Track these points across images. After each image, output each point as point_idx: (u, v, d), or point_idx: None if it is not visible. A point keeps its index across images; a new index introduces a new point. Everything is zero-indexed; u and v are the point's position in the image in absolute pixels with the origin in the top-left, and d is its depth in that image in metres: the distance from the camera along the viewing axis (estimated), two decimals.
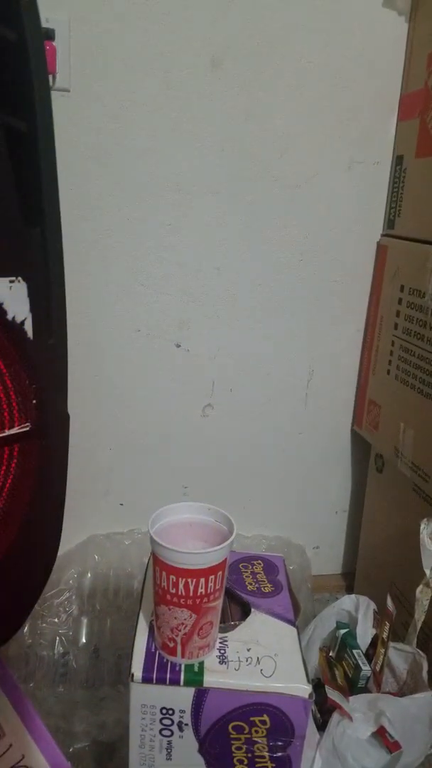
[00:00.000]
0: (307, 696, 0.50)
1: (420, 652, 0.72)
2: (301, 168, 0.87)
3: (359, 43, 0.83)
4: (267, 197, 0.87)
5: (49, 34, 0.74)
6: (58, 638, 0.90)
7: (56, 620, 0.91)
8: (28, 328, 0.41)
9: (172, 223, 0.86)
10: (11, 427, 0.44)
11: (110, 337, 0.89)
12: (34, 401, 0.43)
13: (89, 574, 0.93)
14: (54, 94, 0.77)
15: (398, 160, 0.86)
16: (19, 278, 0.39)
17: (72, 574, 0.93)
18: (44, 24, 0.73)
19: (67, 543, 0.95)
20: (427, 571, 0.75)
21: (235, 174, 0.85)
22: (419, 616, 0.76)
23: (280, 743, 0.52)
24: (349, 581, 1.08)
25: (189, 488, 1.00)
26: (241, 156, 0.85)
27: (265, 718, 0.50)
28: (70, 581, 0.92)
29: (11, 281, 0.38)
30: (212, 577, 0.49)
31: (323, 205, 0.89)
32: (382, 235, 0.91)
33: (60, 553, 0.93)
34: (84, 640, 0.91)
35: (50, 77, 0.76)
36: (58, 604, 0.91)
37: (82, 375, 0.89)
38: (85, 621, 0.92)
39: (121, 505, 0.98)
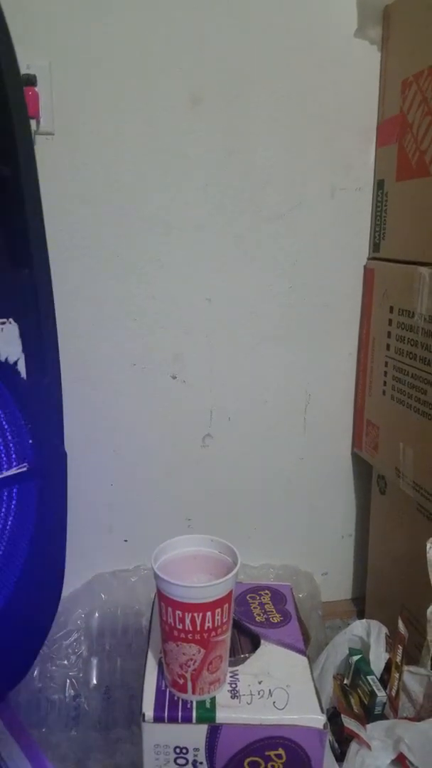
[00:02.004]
0: (321, 726, 0.49)
1: None
2: (284, 198, 0.89)
3: (334, 74, 0.86)
4: (252, 228, 0.89)
5: (31, 80, 0.75)
6: (68, 680, 0.89)
7: (66, 662, 0.89)
8: (21, 368, 0.41)
9: (161, 259, 0.87)
10: (9, 468, 0.44)
11: (106, 372, 0.90)
12: (30, 441, 0.44)
13: (97, 614, 0.92)
14: (38, 138, 0.79)
15: (379, 185, 0.88)
16: (10, 320, 0.39)
17: (79, 614, 0.91)
18: (25, 70, 0.75)
19: (72, 583, 0.94)
20: None
21: (219, 208, 0.87)
22: None
23: None
24: (359, 606, 1.07)
25: (193, 520, 1.00)
26: (225, 190, 0.87)
27: (281, 751, 0.49)
28: (78, 621, 0.91)
29: (2, 323, 0.39)
30: (219, 610, 0.49)
31: (309, 233, 0.91)
32: (369, 259, 0.93)
33: (66, 593, 0.93)
34: (95, 682, 0.90)
35: (34, 122, 0.78)
36: (67, 646, 0.90)
37: (80, 412, 0.89)
38: (95, 662, 0.91)
39: (126, 541, 0.97)
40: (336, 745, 0.68)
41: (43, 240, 0.41)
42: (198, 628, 0.49)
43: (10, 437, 0.43)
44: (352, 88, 0.87)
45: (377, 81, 0.87)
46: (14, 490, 0.45)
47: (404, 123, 0.80)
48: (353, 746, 0.65)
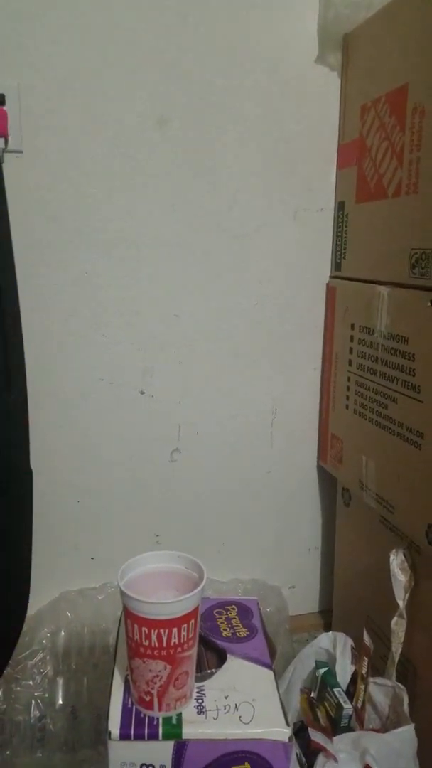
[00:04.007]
0: (286, 739, 0.49)
1: (400, 685, 0.72)
2: (249, 218, 0.91)
3: (297, 98, 0.88)
4: (219, 248, 0.90)
5: (0, 99, 0.77)
6: (33, 701, 0.87)
7: (31, 683, 0.88)
8: None
9: (129, 275, 0.88)
10: None
11: (74, 386, 0.90)
12: None
13: (63, 633, 0.91)
14: (7, 156, 0.79)
15: (340, 206, 0.91)
16: None
17: (45, 633, 0.90)
18: None
19: (38, 601, 0.93)
20: (400, 602, 0.76)
21: (186, 227, 0.88)
22: (396, 649, 0.76)
23: None
24: (326, 619, 1.08)
25: (161, 536, 1.00)
26: (192, 210, 0.88)
27: (247, 766, 0.50)
28: (44, 641, 0.90)
29: None
30: (185, 625, 0.49)
31: (273, 252, 0.93)
32: (331, 277, 0.95)
33: (31, 612, 0.91)
34: (61, 702, 0.88)
35: (2, 140, 0.78)
36: (32, 666, 0.89)
37: (46, 426, 0.88)
38: (60, 681, 0.89)
39: (92, 558, 0.97)
40: (303, 759, 0.69)
41: (11, 256, 0.41)
42: (164, 644, 0.49)
43: None
44: (314, 112, 0.90)
45: (338, 106, 0.90)
46: None
47: (363, 147, 0.83)
48: (320, 759, 0.65)
